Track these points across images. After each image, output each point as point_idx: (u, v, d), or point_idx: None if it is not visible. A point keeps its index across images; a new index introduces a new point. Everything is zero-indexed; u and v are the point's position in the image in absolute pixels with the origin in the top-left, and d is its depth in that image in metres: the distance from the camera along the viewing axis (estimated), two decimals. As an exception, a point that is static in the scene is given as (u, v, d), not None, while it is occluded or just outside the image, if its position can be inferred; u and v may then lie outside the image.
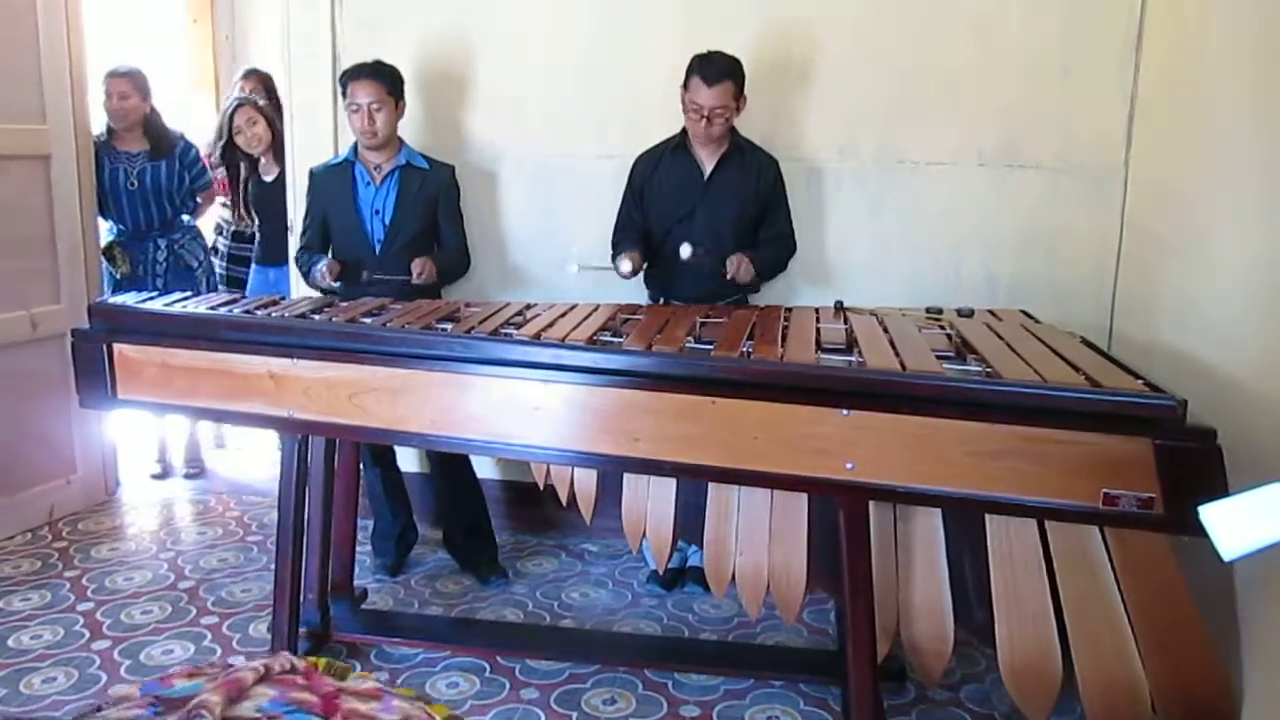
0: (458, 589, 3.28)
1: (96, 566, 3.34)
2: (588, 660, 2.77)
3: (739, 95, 2.95)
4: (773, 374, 2.11)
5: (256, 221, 4.18)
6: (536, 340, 2.29)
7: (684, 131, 3.08)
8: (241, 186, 4.16)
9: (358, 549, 3.11)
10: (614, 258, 3.07)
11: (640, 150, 3.17)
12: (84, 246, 3.68)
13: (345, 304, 2.74)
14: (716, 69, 2.90)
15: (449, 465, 3.30)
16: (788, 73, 3.25)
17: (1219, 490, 1.91)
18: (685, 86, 2.95)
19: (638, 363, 2.19)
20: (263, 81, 4.34)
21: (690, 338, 2.40)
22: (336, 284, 3.10)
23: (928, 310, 2.80)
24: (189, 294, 2.86)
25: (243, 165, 4.12)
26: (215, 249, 4.36)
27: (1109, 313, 3.15)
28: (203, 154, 4.12)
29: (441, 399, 2.33)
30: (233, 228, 4.34)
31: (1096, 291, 3.16)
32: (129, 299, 2.69)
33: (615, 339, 2.37)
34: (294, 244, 3.50)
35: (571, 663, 2.76)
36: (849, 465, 2.07)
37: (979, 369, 2.13)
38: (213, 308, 2.60)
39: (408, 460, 3.49)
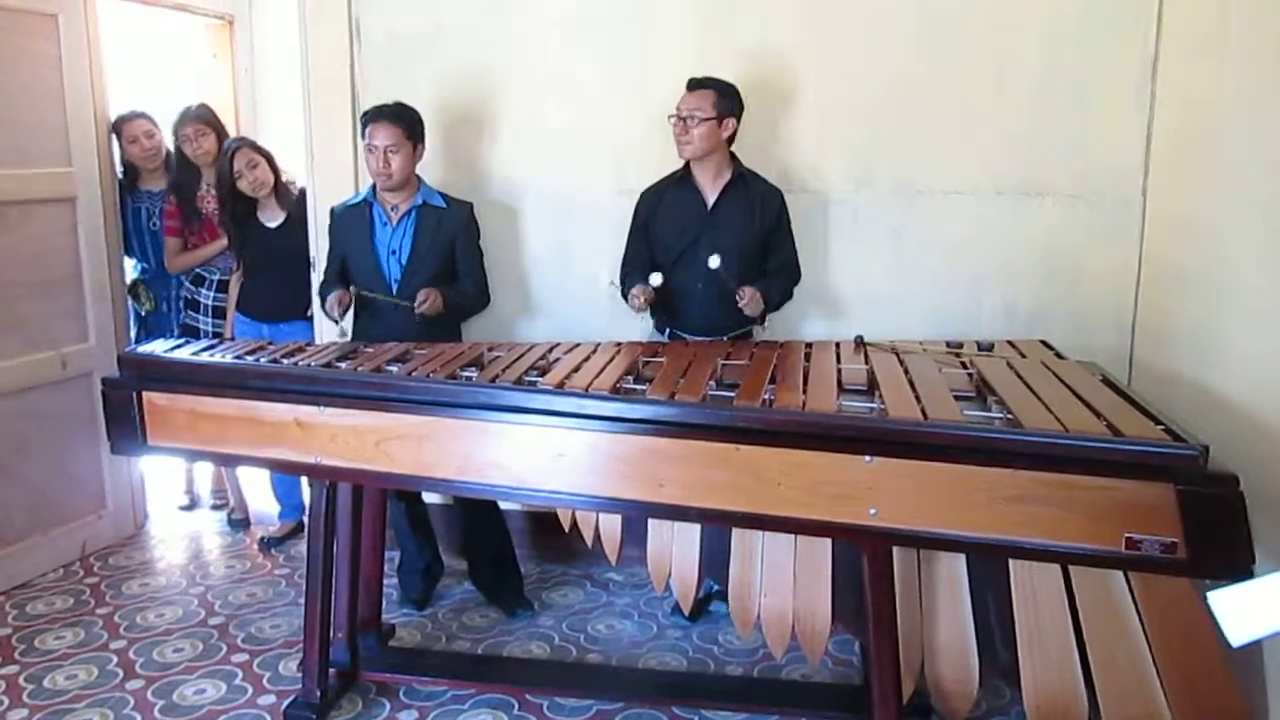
0: (484, 622, 3.30)
1: (128, 603, 3.39)
2: (614, 697, 2.79)
3: (722, 110, 2.97)
4: (795, 423, 2.13)
5: (246, 270, 3.76)
6: (560, 389, 2.32)
7: (687, 165, 3.10)
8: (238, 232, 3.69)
9: (384, 582, 3.15)
10: (624, 295, 3.11)
11: (655, 185, 3.20)
12: (110, 285, 3.74)
13: (370, 350, 2.77)
14: (700, 79, 2.99)
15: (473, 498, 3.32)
16: (805, 105, 3.27)
17: (1241, 534, 1.92)
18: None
19: (662, 412, 2.21)
20: (204, 120, 3.86)
21: (713, 382, 2.42)
22: (342, 318, 3.11)
23: (948, 345, 2.81)
24: (215, 341, 2.90)
25: (237, 208, 3.64)
26: (198, 303, 3.91)
27: (1129, 341, 3.15)
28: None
29: (467, 446, 2.36)
30: (217, 277, 3.89)
31: (1116, 320, 3.15)
32: (157, 347, 2.73)
33: (638, 386, 2.39)
34: (316, 279, 3.55)
35: (599, 699, 2.79)
36: (872, 511, 2.09)
37: (1000, 415, 2.14)
38: (239, 357, 2.65)
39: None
